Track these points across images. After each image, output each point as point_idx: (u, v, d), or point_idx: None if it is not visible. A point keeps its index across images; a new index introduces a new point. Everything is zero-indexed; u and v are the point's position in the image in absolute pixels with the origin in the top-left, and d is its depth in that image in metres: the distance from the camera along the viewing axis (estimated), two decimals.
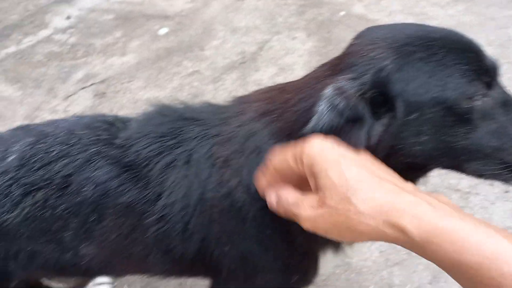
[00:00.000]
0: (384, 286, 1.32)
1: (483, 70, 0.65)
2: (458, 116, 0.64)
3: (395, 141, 0.65)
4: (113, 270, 1.01)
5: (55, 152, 0.84)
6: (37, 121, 2.20)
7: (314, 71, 0.77)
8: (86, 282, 1.40)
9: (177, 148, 0.83)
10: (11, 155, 0.86)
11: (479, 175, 0.69)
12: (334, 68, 0.70)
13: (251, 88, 2.25)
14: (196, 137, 0.83)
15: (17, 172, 0.84)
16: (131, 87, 2.34)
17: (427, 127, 0.64)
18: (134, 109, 2.16)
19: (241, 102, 0.86)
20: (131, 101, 2.24)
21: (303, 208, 0.59)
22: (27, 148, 0.86)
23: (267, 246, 0.82)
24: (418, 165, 0.69)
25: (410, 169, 0.71)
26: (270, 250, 0.83)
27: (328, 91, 0.63)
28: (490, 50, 2.45)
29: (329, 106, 0.60)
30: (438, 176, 1.62)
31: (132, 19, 2.96)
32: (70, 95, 2.35)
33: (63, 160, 0.84)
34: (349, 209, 0.51)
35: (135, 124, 0.88)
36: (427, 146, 0.66)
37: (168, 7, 3.03)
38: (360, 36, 0.73)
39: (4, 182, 0.83)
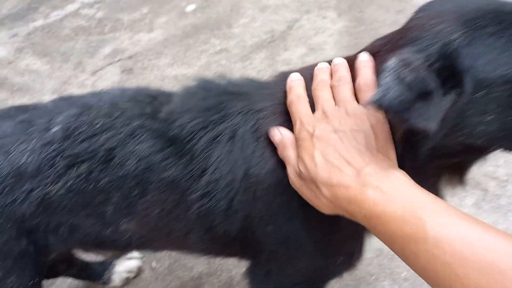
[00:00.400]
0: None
1: None
2: None
3: (458, 119, 0.62)
4: (152, 246, 1.00)
5: (99, 125, 0.83)
6: (66, 95, 2.21)
7: (370, 46, 0.74)
8: (118, 255, 1.41)
9: (222, 123, 0.81)
10: (55, 126, 0.84)
11: None
12: (394, 42, 0.67)
13: (280, 67, 2.20)
14: (240, 111, 0.80)
15: (61, 143, 0.82)
16: (158, 64, 2.32)
17: (493, 106, 0.61)
18: (161, 86, 2.15)
19: (286, 78, 0.83)
20: (159, 78, 2.22)
21: (290, 170, 0.71)
22: (71, 119, 0.84)
23: (313, 226, 0.80)
24: (478, 146, 0.66)
25: (469, 150, 0.67)
26: (315, 230, 0.80)
27: (392, 62, 0.58)
28: None
29: (396, 78, 0.56)
30: None
31: None
32: (98, 70, 2.35)
33: (107, 133, 0.82)
34: (317, 190, 0.65)
35: (179, 98, 0.86)
36: (492, 127, 0.62)
37: None
38: (422, 10, 0.69)
39: (48, 154, 0.82)
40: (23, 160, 0.82)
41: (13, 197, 0.83)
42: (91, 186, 0.83)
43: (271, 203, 0.79)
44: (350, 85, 0.70)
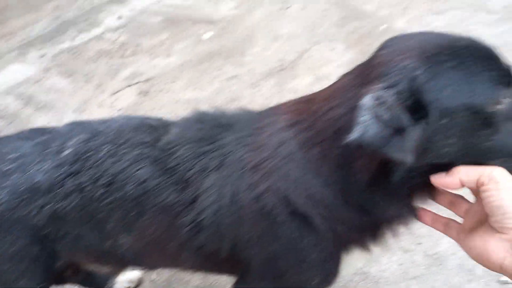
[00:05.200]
0: None
1: (504, 75, 0.69)
2: (484, 119, 0.68)
3: (427, 144, 0.69)
4: (147, 262, 1.09)
5: (104, 151, 0.94)
6: (86, 114, 2.37)
7: (340, 80, 0.81)
8: (118, 271, 1.51)
9: (213, 152, 0.90)
10: (67, 150, 0.96)
11: None
12: (364, 77, 0.74)
13: (287, 95, 2.31)
14: (230, 143, 0.90)
15: (71, 166, 0.94)
16: (173, 88, 2.46)
17: (456, 130, 0.68)
18: (174, 109, 2.28)
19: (272, 113, 0.92)
20: (172, 101, 2.35)
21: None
22: (81, 144, 0.96)
23: (294, 248, 0.87)
24: (443, 165, 0.73)
25: (435, 169, 0.74)
26: (296, 252, 0.88)
27: (367, 100, 0.65)
28: None
29: (373, 117, 0.63)
30: None
31: (179, 22, 3.09)
32: (117, 92, 2.50)
33: (111, 159, 0.93)
34: None
35: (176, 129, 0.96)
36: (455, 148, 0.69)
37: (214, 12, 3.14)
38: (387, 46, 0.76)
39: (59, 174, 0.94)
40: (38, 178, 0.94)
41: (29, 210, 0.95)
42: (95, 204, 0.94)
43: (256, 227, 0.87)
44: None
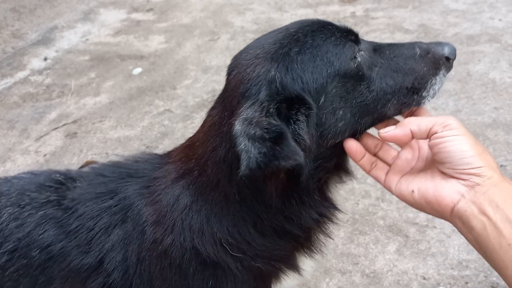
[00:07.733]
0: None
1: (345, 33, 0.73)
2: (354, 78, 0.70)
3: (320, 129, 0.69)
4: None
5: (6, 215, 0.88)
6: (9, 162, 2.23)
7: (209, 117, 0.80)
8: None
9: (114, 207, 0.86)
10: None
11: (399, 110, 0.75)
12: (229, 106, 0.72)
13: None
14: (130, 196, 0.86)
15: None
16: (102, 127, 2.38)
17: (338, 101, 0.70)
18: (103, 149, 2.20)
19: (166, 161, 0.89)
20: (101, 141, 2.27)
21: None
22: None
23: None
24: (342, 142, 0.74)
25: (340, 147, 0.74)
26: None
27: (238, 127, 0.62)
28: (450, 85, 2.51)
29: (249, 139, 0.60)
30: (396, 211, 1.66)
31: (107, 59, 3.04)
32: (43, 136, 2.38)
33: (14, 222, 0.87)
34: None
35: (80, 184, 0.92)
36: (347, 116, 0.71)
37: (143, 48, 3.12)
38: (233, 67, 0.74)
39: None
40: None
41: None
42: None
43: (169, 282, 0.83)
44: None
